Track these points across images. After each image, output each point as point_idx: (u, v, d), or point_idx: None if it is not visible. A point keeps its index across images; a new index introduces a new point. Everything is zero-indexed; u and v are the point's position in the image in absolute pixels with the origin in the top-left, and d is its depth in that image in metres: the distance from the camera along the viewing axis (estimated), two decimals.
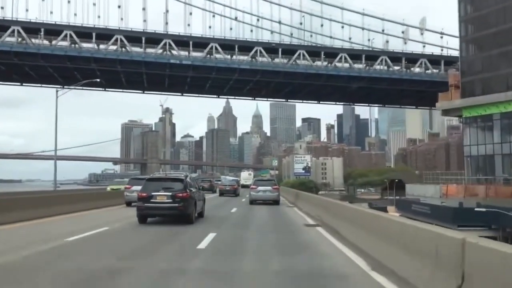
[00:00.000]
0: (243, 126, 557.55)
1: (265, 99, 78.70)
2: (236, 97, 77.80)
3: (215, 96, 77.08)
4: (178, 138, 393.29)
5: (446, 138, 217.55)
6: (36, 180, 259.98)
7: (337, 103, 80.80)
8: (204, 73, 62.38)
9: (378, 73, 64.44)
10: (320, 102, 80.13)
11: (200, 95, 75.87)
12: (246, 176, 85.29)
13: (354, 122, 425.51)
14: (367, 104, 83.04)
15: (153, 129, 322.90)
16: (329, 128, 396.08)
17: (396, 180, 67.23)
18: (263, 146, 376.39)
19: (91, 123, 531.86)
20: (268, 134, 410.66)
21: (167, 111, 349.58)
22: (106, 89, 72.86)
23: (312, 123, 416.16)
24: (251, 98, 78.30)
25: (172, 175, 15.75)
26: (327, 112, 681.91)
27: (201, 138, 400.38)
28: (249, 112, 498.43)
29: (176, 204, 13.28)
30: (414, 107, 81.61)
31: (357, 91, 72.62)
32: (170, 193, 13.37)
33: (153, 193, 13.39)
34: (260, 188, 25.33)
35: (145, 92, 73.71)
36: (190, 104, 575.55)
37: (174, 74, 62.99)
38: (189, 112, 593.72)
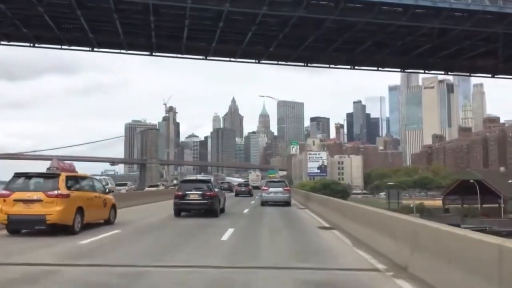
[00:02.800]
0: (250, 125, 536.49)
1: (275, 62, 53.19)
2: (232, 59, 52.58)
3: (201, 57, 51.89)
4: (183, 138, 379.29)
5: (483, 132, 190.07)
6: None
7: (379, 68, 54.94)
8: (174, 1, 37.16)
9: (464, 3, 38.74)
10: (355, 67, 54.97)
11: (178, 55, 50.74)
12: (254, 178, 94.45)
13: (365, 121, 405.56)
14: (423, 71, 57.10)
15: (157, 128, 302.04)
16: (338, 127, 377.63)
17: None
18: (270, 146, 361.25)
19: (96, 124, 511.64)
20: (276, 133, 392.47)
21: (170, 110, 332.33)
22: (35, 45, 48.10)
23: (321, 122, 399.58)
24: (254, 60, 53.36)
25: (201, 178, 22.27)
26: (336, 111, 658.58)
27: (206, 138, 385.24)
28: (256, 111, 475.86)
29: (206, 201, 17.09)
30: (490, 75, 55.60)
31: (414, 46, 47.48)
32: (200, 192, 17.20)
33: (187, 192, 17.31)
34: (271, 189, 26.10)
35: (95, 49, 48.85)
36: (195, 104, 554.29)
37: (124, 7, 38.09)
38: (194, 113, 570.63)
